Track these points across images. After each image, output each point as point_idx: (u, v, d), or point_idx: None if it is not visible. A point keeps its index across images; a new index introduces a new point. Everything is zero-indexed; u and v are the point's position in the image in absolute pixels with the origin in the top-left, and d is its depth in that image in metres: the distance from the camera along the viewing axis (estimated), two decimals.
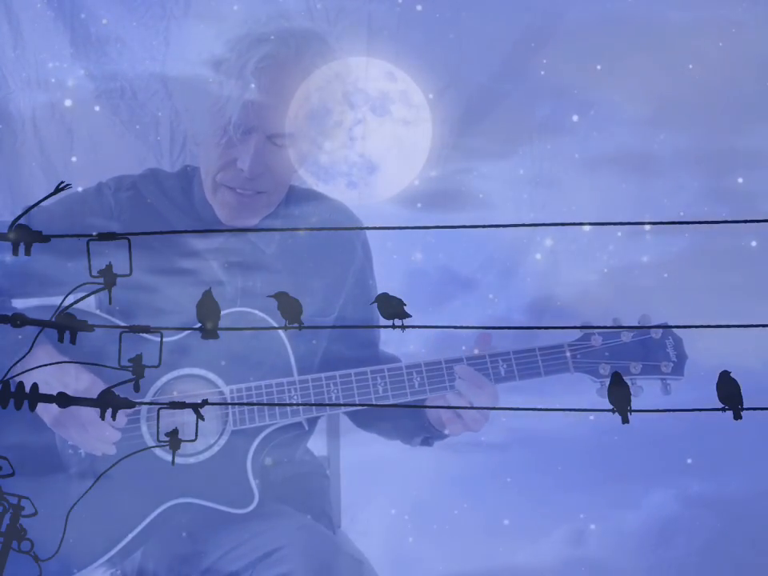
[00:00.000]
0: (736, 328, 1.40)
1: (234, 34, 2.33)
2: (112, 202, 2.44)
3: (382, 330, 2.42)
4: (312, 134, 2.43)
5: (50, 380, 2.18)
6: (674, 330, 2.39)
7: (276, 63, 2.30)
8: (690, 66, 3.26)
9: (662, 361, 2.37)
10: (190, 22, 2.41)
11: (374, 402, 2.34)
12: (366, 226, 2.60)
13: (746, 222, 1.32)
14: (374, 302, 1.50)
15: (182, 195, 2.47)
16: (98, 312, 2.37)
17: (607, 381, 2.32)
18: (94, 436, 2.27)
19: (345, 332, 2.48)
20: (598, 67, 3.27)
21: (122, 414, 2.26)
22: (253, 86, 2.29)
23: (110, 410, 1.42)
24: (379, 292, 2.54)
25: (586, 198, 3.35)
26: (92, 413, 2.25)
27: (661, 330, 2.38)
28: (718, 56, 3.24)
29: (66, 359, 2.21)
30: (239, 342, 2.30)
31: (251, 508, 2.32)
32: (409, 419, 2.45)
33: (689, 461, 3.31)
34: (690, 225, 1.34)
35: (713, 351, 2.52)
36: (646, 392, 2.35)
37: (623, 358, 2.37)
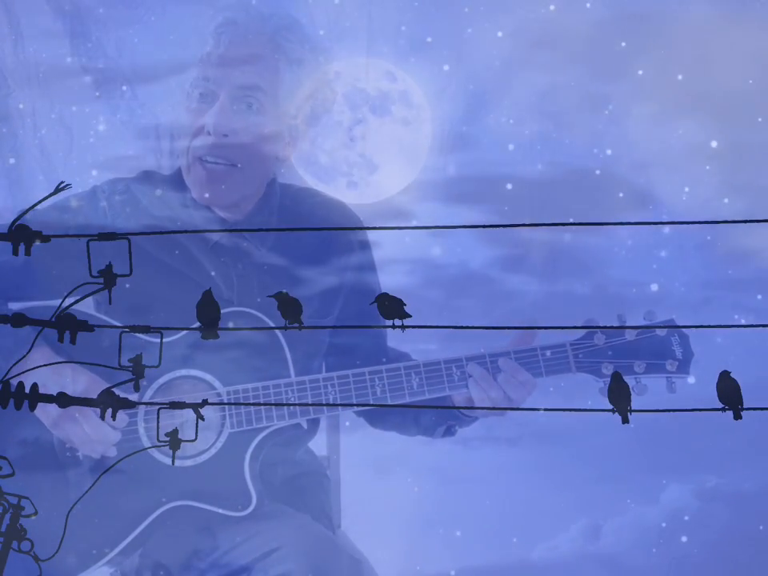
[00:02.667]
0: (736, 328, 1.40)
1: (235, 37, 2.35)
2: (106, 206, 2.44)
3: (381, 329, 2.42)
4: (312, 134, 2.43)
5: (47, 383, 2.16)
6: (681, 334, 2.36)
7: (236, 26, 2.35)
8: (706, 60, 3.25)
9: (667, 359, 2.34)
10: (188, 22, 2.42)
11: (370, 402, 2.32)
12: (364, 224, 2.59)
13: (745, 222, 1.32)
14: (373, 302, 1.50)
15: (175, 197, 2.46)
16: (96, 314, 2.37)
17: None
18: (93, 437, 2.26)
19: (349, 335, 2.46)
20: (601, 64, 3.27)
21: (122, 414, 2.26)
22: (212, 44, 2.32)
23: (110, 410, 1.42)
24: (385, 288, 2.55)
25: (603, 194, 3.34)
26: (90, 414, 2.25)
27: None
28: (734, 49, 3.24)
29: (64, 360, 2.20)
30: (236, 343, 2.29)
31: (249, 511, 2.31)
32: (433, 409, 2.43)
33: (705, 456, 3.31)
34: (698, 223, 1.34)
35: (725, 347, 2.52)
36: (655, 388, 2.32)
37: (627, 357, 2.34)
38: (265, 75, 2.35)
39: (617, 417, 1.45)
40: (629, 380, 2.30)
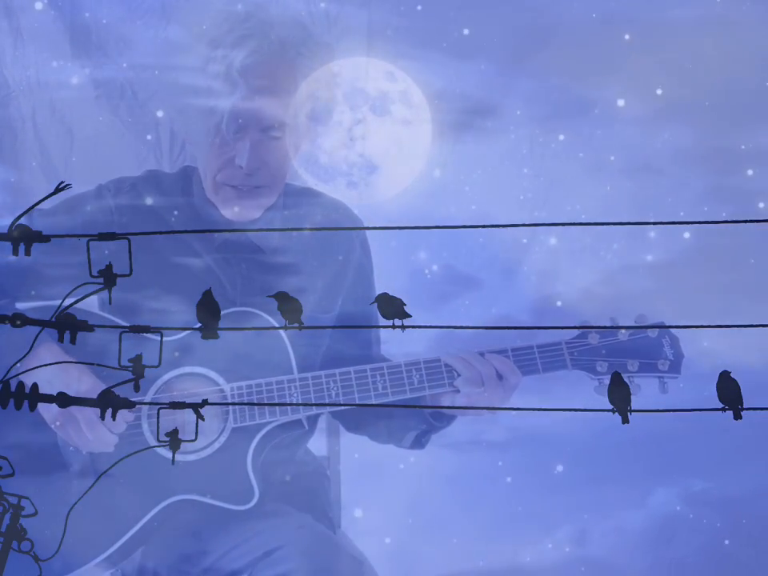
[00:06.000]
0: (736, 328, 1.40)
1: (217, 32, 2.34)
2: (112, 205, 2.45)
3: (381, 329, 2.43)
4: (312, 134, 2.44)
5: (52, 380, 2.18)
6: (671, 336, 2.40)
7: (261, 58, 2.32)
8: (692, 64, 3.26)
9: (658, 359, 2.38)
10: (188, 20, 2.41)
11: (373, 400, 2.35)
12: (365, 225, 2.61)
13: (746, 222, 1.32)
14: (373, 302, 1.50)
15: (182, 196, 2.48)
16: (99, 312, 2.38)
17: (605, 378, 2.35)
18: (92, 439, 2.27)
19: (346, 331, 2.48)
20: (600, 66, 3.28)
21: (122, 418, 2.27)
22: (241, 84, 2.30)
23: (110, 410, 1.42)
24: (379, 291, 2.56)
25: (589, 198, 3.35)
26: (91, 415, 2.26)
27: (656, 329, 2.39)
28: (720, 54, 3.25)
29: (70, 358, 2.22)
30: (240, 340, 2.31)
31: (251, 504, 2.32)
32: (404, 413, 2.45)
33: (692, 460, 3.31)
34: (692, 224, 1.34)
35: (713, 351, 2.53)
36: (647, 391, 2.35)
37: (620, 356, 2.38)
38: (290, 101, 2.35)
39: (605, 420, 1.45)
40: None
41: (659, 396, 2.38)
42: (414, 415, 2.44)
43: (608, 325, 2.38)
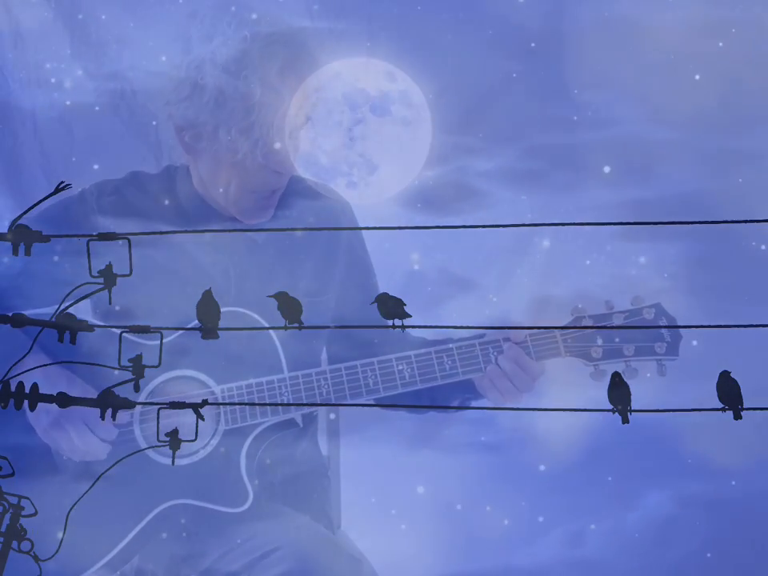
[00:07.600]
0: (736, 328, 1.40)
1: (216, 33, 2.34)
2: (96, 208, 2.44)
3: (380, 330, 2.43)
4: (312, 134, 2.44)
5: (42, 389, 2.17)
6: (668, 317, 2.36)
7: (260, 59, 2.32)
8: (690, 66, 3.27)
9: (655, 341, 2.33)
10: (188, 21, 2.41)
11: (364, 396, 2.34)
12: (363, 225, 2.61)
13: (745, 222, 1.33)
14: (373, 302, 1.50)
15: (166, 195, 2.47)
16: (93, 320, 2.37)
17: (600, 364, 2.33)
18: (83, 448, 2.27)
19: (354, 316, 2.48)
20: (598, 67, 3.28)
21: (113, 425, 2.27)
22: (242, 86, 2.31)
23: (110, 410, 1.42)
24: (376, 285, 2.57)
25: (585, 199, 3.36)
26: (81, 425, 2.26)
27: (653, 310, 2.35)
28: (720, 54, 3.25)
29: (61, 368, 2.21)
30: (229, 342, 2.29)
31: (245, 507, 2.32)
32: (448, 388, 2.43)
33: (688, 461, 3.32)
34: (689, 225, 1.34)
35: (712, 351, 2.53)
36: (644, 392, 2.33)
37: (615, 341, 2.35)
38: (291, 102, 2.36)
39: (603, 421, 1.45)
40: (618, 364, 2.32)
41: (658, 396, 2.36)
42: (456, 386, 2.41)
43: (602, 311, 2.35)
